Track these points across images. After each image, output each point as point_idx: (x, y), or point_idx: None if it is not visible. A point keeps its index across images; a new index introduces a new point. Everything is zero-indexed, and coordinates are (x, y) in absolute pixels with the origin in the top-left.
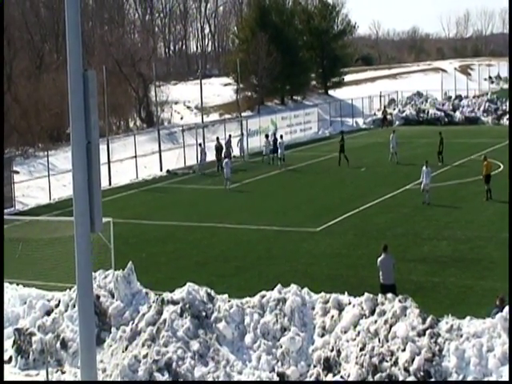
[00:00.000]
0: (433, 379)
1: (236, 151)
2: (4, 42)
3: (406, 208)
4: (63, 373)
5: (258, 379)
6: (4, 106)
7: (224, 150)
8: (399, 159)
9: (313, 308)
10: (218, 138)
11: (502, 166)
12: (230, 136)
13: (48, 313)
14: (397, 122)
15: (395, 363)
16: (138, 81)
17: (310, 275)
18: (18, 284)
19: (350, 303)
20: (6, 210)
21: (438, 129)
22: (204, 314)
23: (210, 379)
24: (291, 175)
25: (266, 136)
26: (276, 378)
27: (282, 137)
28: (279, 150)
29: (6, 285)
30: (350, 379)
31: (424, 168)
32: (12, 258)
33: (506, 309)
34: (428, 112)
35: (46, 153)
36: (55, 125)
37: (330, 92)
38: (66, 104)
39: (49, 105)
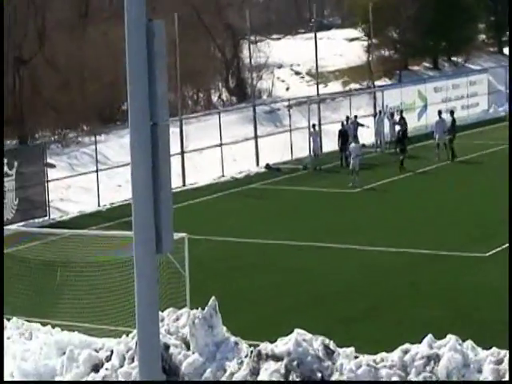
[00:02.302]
0: None
1: (370, 137)
2: None
3: None
4: None
5: None
6: (35, 73)
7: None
8: None
9: (479, 371)
10: (347, 118)
11: None
12: (355, 117)
13: (96, 368)
14: None
15: None
16: (226, 36)
17: (476, 321)
18: (53, 326)
19: None
20: (37, 220)
21: None
22: (319, 375)
23: None
24: (448, 173)
25: (391, 114)
26: None
27: (452, 113)
28: (436, 133)
29: (36, 326)
30: None
31: None
32: (46, 289)
33: None
34: None
35: (93, 139)
36: (106, 99)
37: (507, 51)
38: (121, 70)
39: (97, 71)
